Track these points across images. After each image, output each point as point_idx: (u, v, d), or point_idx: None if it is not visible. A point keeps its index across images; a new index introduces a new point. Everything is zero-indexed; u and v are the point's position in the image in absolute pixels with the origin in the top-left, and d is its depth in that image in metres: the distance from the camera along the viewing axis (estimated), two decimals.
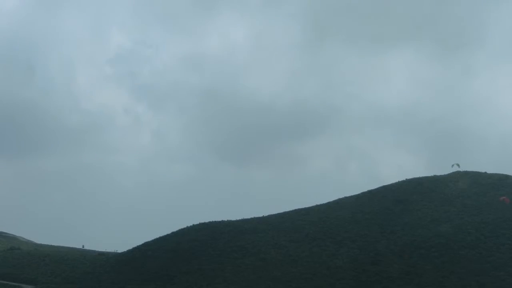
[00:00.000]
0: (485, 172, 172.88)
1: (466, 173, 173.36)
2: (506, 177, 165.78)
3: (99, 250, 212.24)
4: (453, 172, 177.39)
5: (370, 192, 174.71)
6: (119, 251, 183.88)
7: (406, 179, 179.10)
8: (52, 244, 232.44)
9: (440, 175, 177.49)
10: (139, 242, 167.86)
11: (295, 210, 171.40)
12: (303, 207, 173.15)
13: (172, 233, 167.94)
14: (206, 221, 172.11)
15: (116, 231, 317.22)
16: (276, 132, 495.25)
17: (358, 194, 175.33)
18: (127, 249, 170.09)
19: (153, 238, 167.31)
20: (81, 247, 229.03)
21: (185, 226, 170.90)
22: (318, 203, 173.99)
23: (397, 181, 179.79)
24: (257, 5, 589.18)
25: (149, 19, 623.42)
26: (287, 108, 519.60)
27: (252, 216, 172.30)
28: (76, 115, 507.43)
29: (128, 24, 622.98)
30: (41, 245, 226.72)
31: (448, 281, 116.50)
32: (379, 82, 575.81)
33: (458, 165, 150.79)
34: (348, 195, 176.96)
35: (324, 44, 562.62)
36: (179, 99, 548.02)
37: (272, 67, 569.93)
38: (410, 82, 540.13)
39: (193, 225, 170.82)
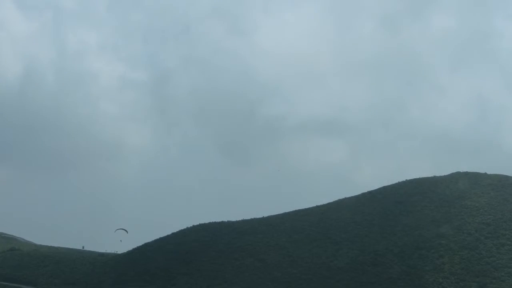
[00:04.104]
0: (485, 173, 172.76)
1: (466, 174, 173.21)
2: (506, 178, 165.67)
3: (99, 251, 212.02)
4: (453, 173, 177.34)
5: (370, 193, 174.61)
6: (119, 252, 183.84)
7: (406, 179, 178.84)
8: (52, 245, 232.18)
9: (440, 176, 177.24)
10: (139, 243, 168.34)
11: (295, 211, 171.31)
12: (303, 208, 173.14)
13: (172, 234, 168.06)
14: (206, 222, 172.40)
15: (116, 232, 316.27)
16: (276, 131, 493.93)
17: (358, 195, 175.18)
18: (127, 250, 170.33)
19: (153, 239, 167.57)
20: (81, 248, 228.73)
21: (185, 227, 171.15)
22: (318, 204, 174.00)
23: (397, 181, 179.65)
24: None
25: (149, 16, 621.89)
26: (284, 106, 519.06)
27: (252, 217, 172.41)
28: (76, 113, 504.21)
29: (129, 23, 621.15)
30: (41, 246, 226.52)
31: (448, 282, 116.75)
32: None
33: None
34: (348, 195, 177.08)
35: None
36: (179, 99, 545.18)
37: None
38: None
39: (193, 226, 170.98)
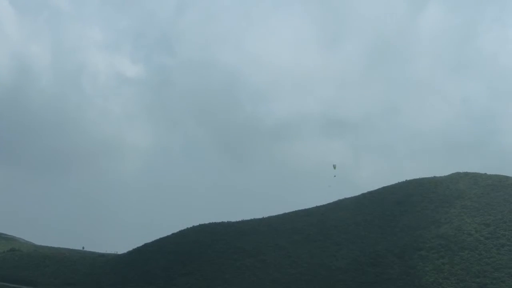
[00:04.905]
0: (485, 174, 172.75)
1: (466, 174, 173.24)
2: (506, 178, 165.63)
3: (99, 251, 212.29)
4: (453, 173, 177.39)
5: (370, 193, 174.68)
6: (119, 252, 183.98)
7: (406, 180, 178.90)
8: (52, 246, 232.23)
9: (440, 176, 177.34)
10: (139, 243, 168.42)
11: (295, 211, 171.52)
12: (303, 208, 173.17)
13: (172, 234, 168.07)
14: (206, 222, 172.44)
15: (116, 233, 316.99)
16: (276, 132, 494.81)
17: (358, 196, 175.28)
18: (127, 250, 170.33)
19: (153, 240, 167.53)
20: (81, 248, 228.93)
21: (185, 228, 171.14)
22: (318, 204, 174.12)
23: (397, 182, 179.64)
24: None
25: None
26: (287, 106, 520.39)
27: (252, 218, 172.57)
28: (76, 114, 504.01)
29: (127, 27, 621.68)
30: (41, 247, 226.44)
31: (448, 283, 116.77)
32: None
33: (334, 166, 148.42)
34: (348, 196, 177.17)
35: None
36: (177, 99, 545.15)
37: None
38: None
39: (193, 226, 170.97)
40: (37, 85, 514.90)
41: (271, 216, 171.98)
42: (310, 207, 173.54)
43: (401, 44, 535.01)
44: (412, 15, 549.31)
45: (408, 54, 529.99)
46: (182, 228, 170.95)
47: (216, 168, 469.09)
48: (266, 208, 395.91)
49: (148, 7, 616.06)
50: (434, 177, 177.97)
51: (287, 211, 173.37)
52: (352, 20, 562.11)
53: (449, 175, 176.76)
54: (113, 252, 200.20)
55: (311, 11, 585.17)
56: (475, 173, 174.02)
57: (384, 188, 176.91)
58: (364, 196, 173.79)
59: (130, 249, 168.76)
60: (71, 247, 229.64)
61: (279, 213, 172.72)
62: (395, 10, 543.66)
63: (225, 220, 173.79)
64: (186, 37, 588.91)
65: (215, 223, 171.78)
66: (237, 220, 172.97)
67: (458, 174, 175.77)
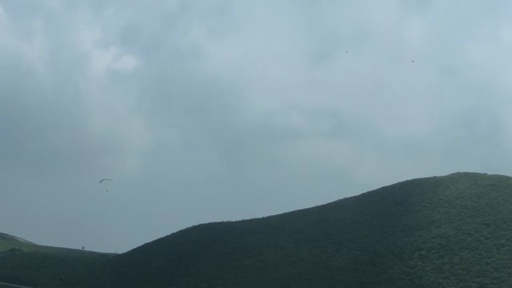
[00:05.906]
0: (485, 173, 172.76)
1: (466, 174, 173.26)
2: (506, 178, 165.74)
3: (99, 251, 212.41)
4: (453, 173, 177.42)
5: (370, 193, 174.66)
6: (119, 252, 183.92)
7: (406, 180, 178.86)
8: (52, 246, 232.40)
9: (440, 176, 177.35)
10: (139, 243, 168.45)
11: (295, 211, 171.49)
12: (302, 208, 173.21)
13: (172, 234, 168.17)
14: (206, 222, 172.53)
15: (116, 233, 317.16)
16: (275, 131, 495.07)
17: (358, 196, 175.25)
18: (127, 250, 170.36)
19: (153, 240, 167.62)
20: (81, 248, 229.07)
21: (185, 228, 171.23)
22: (318, 204, 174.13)
23: (396, 182, 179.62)
24: None
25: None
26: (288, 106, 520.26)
27: (252, 217, 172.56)
28: (75, 113, 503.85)
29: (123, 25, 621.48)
30: (41, 247, 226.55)
31: (448, 283, 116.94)
32: None
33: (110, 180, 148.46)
34: (348, 196, 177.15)
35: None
36: (178, 97, 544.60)
37: None
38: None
39: (193, 226, 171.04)
40: (34, 85, 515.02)
41: (271, 216, 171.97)
42: (310, 207, 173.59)
43: (396, 47, 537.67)
44: (404, 21, 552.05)
45: (404, 56, 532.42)
46: (182, 228, 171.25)
47: (216, 168, 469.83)
48: (266, 208, 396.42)
49: (146, 6, 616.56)
50: (434, 177, 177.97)
51: (287, 211, 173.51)
52: (345, 25, 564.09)
53: (449, 175, 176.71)
54: (113, 252, 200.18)
55: (300, 18, 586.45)
56: (475, 173, 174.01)
57: (384, 188, 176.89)
58: (364, 196, 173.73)
59: (130, 249, 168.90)
60: (71, 247, 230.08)
61: (279, 213, 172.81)
62: (387, 15, 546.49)
63: (225, 220, 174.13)
64: (184, 37, 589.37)
65: (215, 223, 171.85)
66: (237, 220, 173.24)
67: (458, 174, 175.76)
